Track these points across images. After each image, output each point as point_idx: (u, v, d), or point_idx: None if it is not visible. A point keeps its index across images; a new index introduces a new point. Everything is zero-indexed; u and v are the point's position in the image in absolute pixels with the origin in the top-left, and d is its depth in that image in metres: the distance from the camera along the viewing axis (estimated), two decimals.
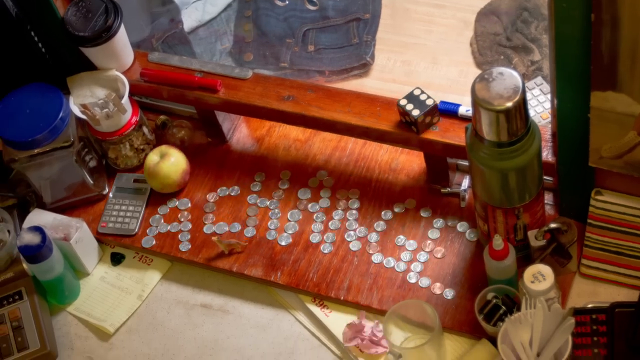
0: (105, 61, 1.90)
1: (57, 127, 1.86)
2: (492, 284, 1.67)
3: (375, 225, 1.85)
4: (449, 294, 1.74)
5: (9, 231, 1.87)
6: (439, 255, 1.79)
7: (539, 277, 1.57)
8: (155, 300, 1.88)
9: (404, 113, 1.72)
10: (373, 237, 1.83)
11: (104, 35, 1.83)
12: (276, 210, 1.90)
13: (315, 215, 1.88)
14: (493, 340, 1.64)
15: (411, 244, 1.81)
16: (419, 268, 1.78)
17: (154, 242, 1.90)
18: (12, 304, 1.85)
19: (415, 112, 1.70)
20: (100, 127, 1.91)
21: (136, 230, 1.93)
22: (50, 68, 1.98)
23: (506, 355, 1.54)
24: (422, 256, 1.79)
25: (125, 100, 1.89)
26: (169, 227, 1.92)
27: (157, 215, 1.94)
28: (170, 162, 1.92)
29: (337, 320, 1.78)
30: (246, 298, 1.85)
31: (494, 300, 1.65)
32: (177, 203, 1.95)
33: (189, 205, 1.95)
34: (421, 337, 1.70)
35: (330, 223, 1.86)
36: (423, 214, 1.84)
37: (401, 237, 1.82)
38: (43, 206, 1.95)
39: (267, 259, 1.85)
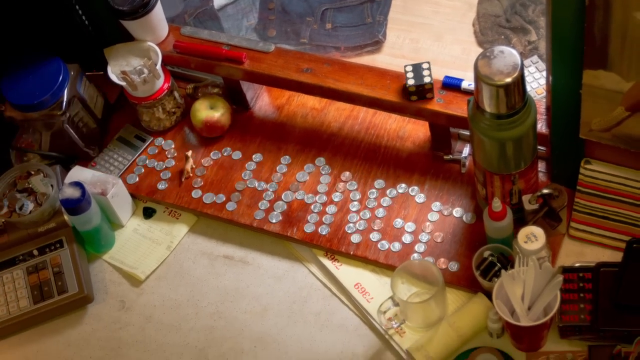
0: (143, 33, 1.89)
1: (54, 95, 1.87)
2: (491, 243, 1.67)
3: (383, 186, 1.84)
4: (454, 266, 1.73)
5: (52, 186, 1.86)
6: (438, 216, 1.79)
7: (532, 237, 1.57)
8: (183, 251, 1.88)
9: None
10: (381, 199, 1.83)
11: (142, 10, 1.82)
12: (294, 172, 1.89)
13: (324, 177, 1.87)
14: (488, 294, 1.64)
15: (414, 206, 1.81)
16: (421, 227, 1.78)
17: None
18: (54, 251, 1.85)
19: (411, 82, 1.71)
20: (137, 92, 1.90)
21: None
22: (91, 39, 1.97)
23: (500, 308, 1.54)
24: (425, 216, 1.79)
25: (159, 67, 1.89)
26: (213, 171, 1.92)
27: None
28: (218, 113, 1.94)
29: (347, 273, 1.77)
30: (265, 251, 1.85)
31: (490, 258, 1.65)
32: (215, 153, 1.96)
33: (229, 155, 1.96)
34: (425, 291, 1.69)
35: (342, 183, 1.85)
36: (427, 185, 1.83)
37: (405, 200, 1.82)
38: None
39: (284, 216, 1.84)
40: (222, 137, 1.97)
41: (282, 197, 1.86)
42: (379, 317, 1.65)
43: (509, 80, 1.47)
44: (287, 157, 1.92)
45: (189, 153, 1.88)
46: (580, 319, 1.58)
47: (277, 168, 1.91)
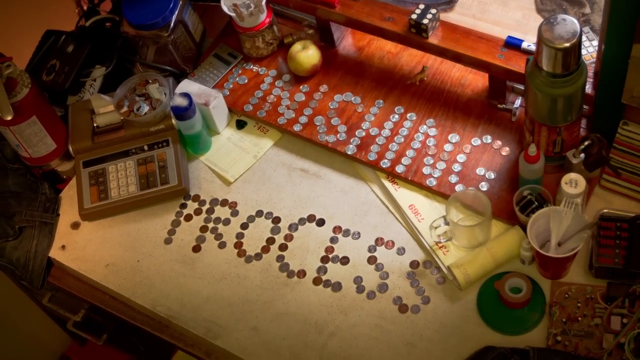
0: None
1: (164, 19, 1.84)
2: (522, 182, 1.60)
3: (442, 125, 1.77)
4: (492, 175, 1.68)
5: (165, 94, 1.82)
6: (487, 155, 1.71)
7: (573, 183, 1.50)
8: (266, 160, 1.83)
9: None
10: (438, 135, 1.75)
11: None
12: (367, 105, 1.83)
13: (395, 109, 1.80)
14: (523, 227, 1.57)
15: (467, 147, 1.73)
16: (472, 162, 1.70)
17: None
18: (161, 148, 1.82)
19: (414, 16, 1.69)
20: (243, 23, 1.84)
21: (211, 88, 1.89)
22: None
23: (532, 240, 1.49)
24: (476, 153, 1.71)
25: (263, 3, 1.83)
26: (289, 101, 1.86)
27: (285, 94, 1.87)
28: (307, 54, 1.85)
29: (404, 195, 1.72)
30: (335, 168, 1.79)
31: (529, 197, 1.57)
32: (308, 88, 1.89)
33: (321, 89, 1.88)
34: (473, 219, 1.63)
35: (407, 119, 1.78)
36: (480, 128, 1.75)
37: (460, 139, 1.74)
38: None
39: (356, 140, 1.78)
40: None
41: (355, 125, 1.80)
42: (430, 231, 1.59)
43: (567, 45, 1.39)
44: (362, 92, 1.84)
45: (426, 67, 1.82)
46: (614, 262, 1.50)
47: (352, 100, 1.84)
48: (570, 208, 1.47)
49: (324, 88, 1.87)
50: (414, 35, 1.71)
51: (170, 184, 1.78)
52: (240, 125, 1.88)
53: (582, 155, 1.56)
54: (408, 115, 1.79)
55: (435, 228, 1.59)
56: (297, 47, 1.87)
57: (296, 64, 1.86)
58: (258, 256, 1.71)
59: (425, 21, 1.67)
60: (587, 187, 1.53)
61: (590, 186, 1.63)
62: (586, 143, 1.54)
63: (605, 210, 1.57)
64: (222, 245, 1.73)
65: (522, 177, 1.59)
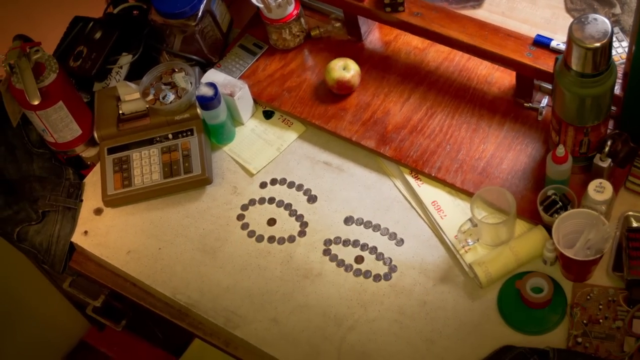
0: None
1: (193, 8, 1.84)
2: (549, 183, 1.58)
3: (467, 122, 1.75)
4: (516, 173, 1.67)
5: (191, 83, 1.82)
6: (512, 154, 1.70)
7: (600, 188, 1.48)
8: (290, 153, 1.83)
9: None
10: (463, 132, 1.74)
11: None
12: (392, 99, 1.81)
13: (420, 105, 1.79)
14: (546, 227, 1.56)
15: (492, 145, 1.71)
16: (497, 160, 1.69)
17: None
18: (185, 137, 1.82)
19: None
20: (271, 14, 1.84)
21: (237, 78, 1.89)
22: None
23: (557, 241, 1.47)
24: (501, 151, 1.70)
25: None
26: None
27: None
28: (350, 74, 1.81)
29: (427, 191, 1.71)
30: (359, 162, 1.79)
31: (553, 197, 1.56)
32: None
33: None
34: (497, 217, 1.62)
35: (432, 115, 1.77)
36: (505, 126, 1.74)
37: (485, 136, 1.73)
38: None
39: (380, 135, 1.77)
40: None
41: (380, 119, 1.79)
42: (459, 234, 1.58)
43: (597, 45, 1.38)
44: (388, 86, 1.84)
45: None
46: None
47: (377, 94, 1.83)
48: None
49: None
50: (443, 30, 1.70)
51: (193, 173, 1.78)
52: (268, 115, 1.88)
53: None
54: (433, 111, 1.78)
55: (463, 232, 1.57)
56: (337, 64, 1.81)
57: (334, 82, 1.82)
58: (279, 248, 1.70)
59: None
60: (614, 195, 1.51)
61: (615, 188, 1.61)
62: (609, 143, 1.53)
63: (630, 212, 1.56)
64: (243, 236, 1.73)
65: (549, 177, 1.58)
